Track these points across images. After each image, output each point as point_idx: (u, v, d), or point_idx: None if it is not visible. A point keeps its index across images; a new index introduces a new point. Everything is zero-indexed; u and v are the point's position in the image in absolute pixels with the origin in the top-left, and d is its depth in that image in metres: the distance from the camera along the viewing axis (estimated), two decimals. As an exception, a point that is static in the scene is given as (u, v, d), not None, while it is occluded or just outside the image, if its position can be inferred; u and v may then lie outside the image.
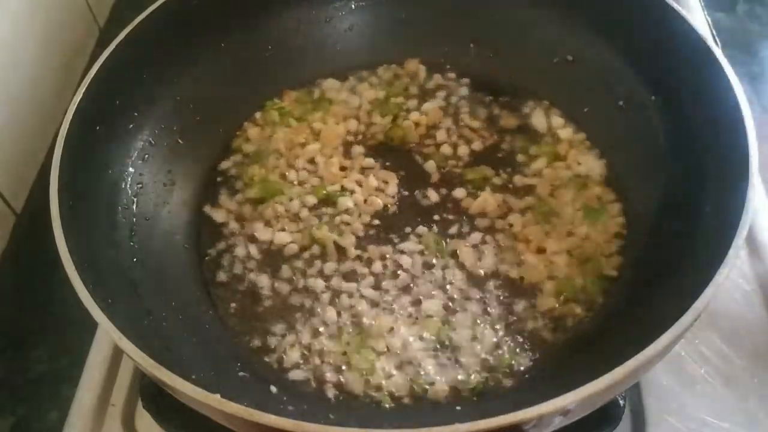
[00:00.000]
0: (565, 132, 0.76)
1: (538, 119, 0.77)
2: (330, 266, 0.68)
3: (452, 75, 0.83)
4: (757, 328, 0.66)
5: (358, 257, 0.68)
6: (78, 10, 0.95)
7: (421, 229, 0.70)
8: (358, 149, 0.77)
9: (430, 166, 0.75)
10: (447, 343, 0.62)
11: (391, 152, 0.77)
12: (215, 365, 0.59)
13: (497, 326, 0.62)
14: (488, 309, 0.64)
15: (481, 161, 0.75)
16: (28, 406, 0.68)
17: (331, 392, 0.60)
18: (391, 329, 0.63)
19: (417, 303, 0.64)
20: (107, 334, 0.49)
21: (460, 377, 0.59)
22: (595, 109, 0.75)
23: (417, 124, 0.78)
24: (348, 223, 0.71)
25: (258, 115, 0.80)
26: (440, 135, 0.78)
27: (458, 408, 0.58)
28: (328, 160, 0.76)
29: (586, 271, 0.65)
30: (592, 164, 0.73)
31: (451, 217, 0.71)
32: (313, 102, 0.81)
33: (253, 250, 0.70)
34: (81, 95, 0.62)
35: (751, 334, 0.66)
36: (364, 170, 0.75)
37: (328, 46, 0.83)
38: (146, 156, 0.71)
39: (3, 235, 0.76)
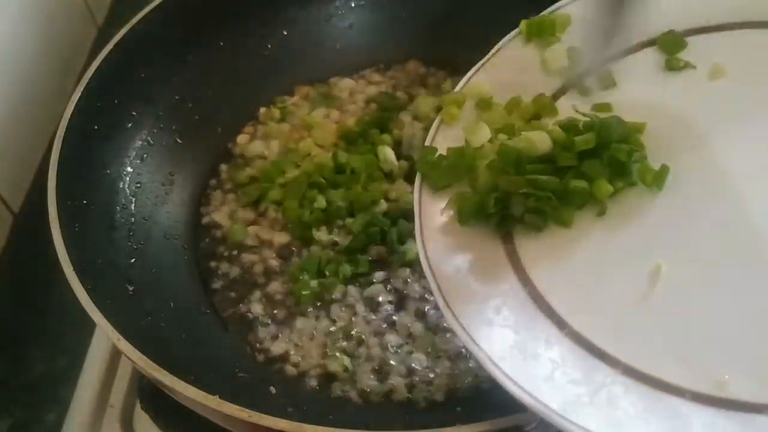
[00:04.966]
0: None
1: (539, 118, 0.77)
2: (330, 267, 0.68)
3: (452, 75, 0.82)
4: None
5: (358, 257, 0.68)
6: (76, 10, 0.95)
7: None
8: (357, 149, 0.77)
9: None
10: (447, 344, 0.61)
11: (391, 152, 0.77)
12: (215, 366, 0.59)
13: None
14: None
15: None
16: (26, 408, 0.68)
17: (331, 393, 0.59)
18: (391, 331, 0.62)
19: (417, 304, 0.64)
20: (105, 334, 0.49)
21: (461, 379, 0.59)
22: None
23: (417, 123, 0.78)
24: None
25: (260, 112, 0.80)
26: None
27: (458, 409, 0.57)
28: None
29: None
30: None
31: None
32: (314, 100, 0.81)
33: (252, 250, 0.70)
34: (79, 94, 0.63)
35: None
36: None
37: (328, 45, 0.83)
38: (145, 156, 0.71)
39: (1, 236, 0.76)
